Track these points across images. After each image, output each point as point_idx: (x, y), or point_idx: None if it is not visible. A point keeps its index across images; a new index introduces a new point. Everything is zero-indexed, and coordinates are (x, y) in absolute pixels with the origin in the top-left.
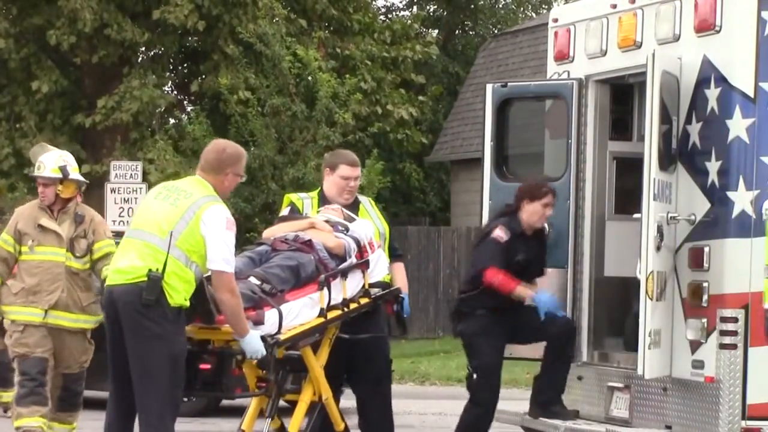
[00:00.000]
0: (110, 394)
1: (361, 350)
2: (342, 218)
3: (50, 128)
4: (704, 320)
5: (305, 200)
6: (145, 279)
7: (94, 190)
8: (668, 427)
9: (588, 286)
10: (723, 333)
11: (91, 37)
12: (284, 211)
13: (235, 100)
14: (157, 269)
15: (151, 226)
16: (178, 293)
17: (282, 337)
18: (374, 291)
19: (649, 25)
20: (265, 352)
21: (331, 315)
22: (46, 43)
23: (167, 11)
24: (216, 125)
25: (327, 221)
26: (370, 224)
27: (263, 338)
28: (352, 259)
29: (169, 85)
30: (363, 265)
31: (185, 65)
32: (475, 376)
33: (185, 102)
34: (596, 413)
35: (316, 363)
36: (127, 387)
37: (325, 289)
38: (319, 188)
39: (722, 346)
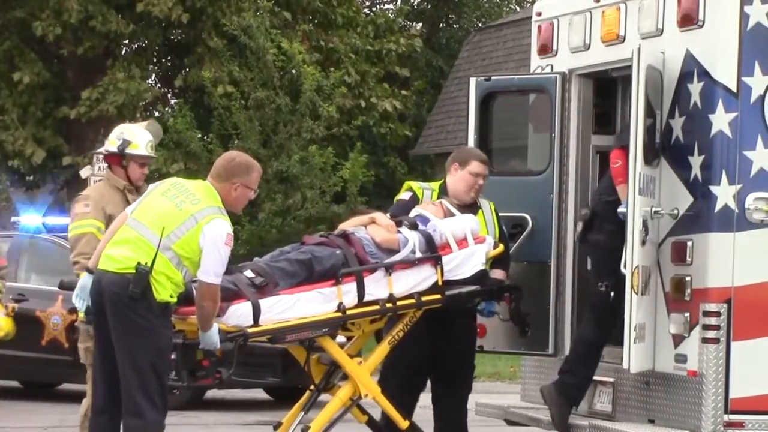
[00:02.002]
0: (97, 382)
1: (445, 351)
2: (442, 215)
3: (33, 121)
4: (687, 314)
5: (426, 191)
6: (133, 271)
7: (77, 182)
8: (651, 421)
9: (571, 280)
10: (706, 327)
11: (76, 29)
12: (403, 194)
13: (219, 94)
14: (146, 263)
15: (152, 222)
16: (165, 290)
17: (251, 330)
18: (455, 290)
19: (632, 20)
20: (218, 345)
21: (360, 310)
22: (29, 35)
23: (151, 3)
24: (199, 118)
25: (392, 216)
26: (468, 221)
27: (227, 331)
28: (408, 255)
29: (153, 78)
30: (430, 261)
31: (169, 58)
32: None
33: (169, 95)
34: (579, 407)
35: (347, 359)
36: (113, 376)
37: (348, 284)
38: (442, 181)
39: (705, 340)
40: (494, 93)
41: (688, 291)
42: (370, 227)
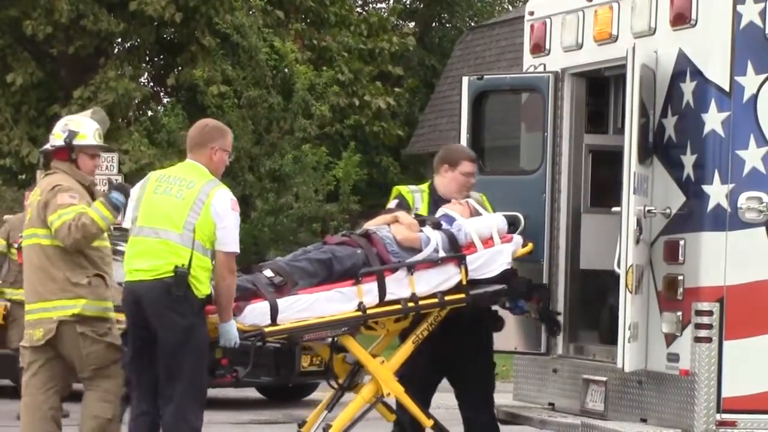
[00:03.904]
0: (139, 386)
1: (463, 361)
2: (468, 215)
3: (26, 120)
4: (679, 313)
5: (416, 194)
6: (172, 274)
7: None
8: (644, 420)
9: (564, 279)
10: (698, 326)
11: (67, 28)
12: (391, 203)
13: (212, 92)
14: (183, 264)
15: (163, 221)
16: (203, 284)
17: (268, 329)
18: (480, 290)
19: (625, 19)
20: (238, 342)
21: (381, 309)
22: (21, 35)
23: (144, 2)
24: (192, 117)
25: (417, 215)
26: (494, 220)
27: (244, 331)
28: (431, 254)
29: (145, 77)
30: (454, 260)
31: (161, 57)
32: None
33: (161, 94)
34: (571, 406)
35: (369, 358)
36: (154, 378)
37: (369, 284)
38: (429, 182)
39: (697, 339)
40: (487, 92)
41: (681, 290)
42: (393, 226)
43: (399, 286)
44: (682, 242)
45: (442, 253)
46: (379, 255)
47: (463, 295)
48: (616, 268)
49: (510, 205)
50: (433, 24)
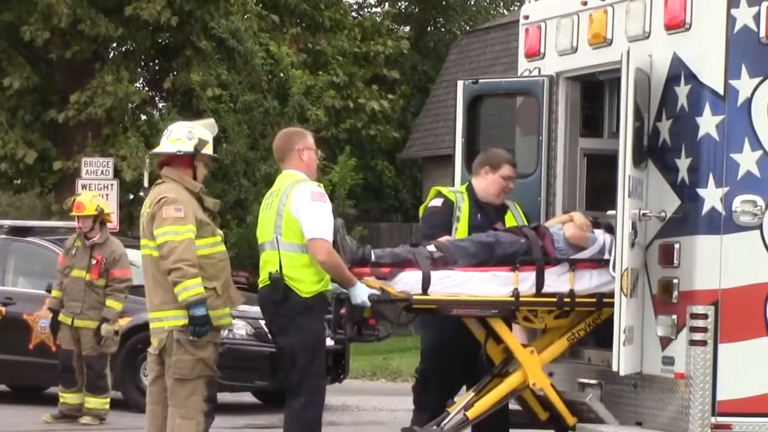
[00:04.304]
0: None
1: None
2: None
3: (21, 124)
4: (674, 317)
5: (457, 194)
6: (269, 282)
7: (65, 186)
8: (639, 424)
9: None
10: (693, 329)
11: (64, 33)
12: (434, 201)
13: (208, 97)
14: (276, 270)
15: (264, 234)
16: (304, 283)
17: (417, 297)
18: None
19: (619, 22)
20: (369, 303)
21: (534, 299)
22: (17, 39)
23: (140, 7)
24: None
25: (432, 227)
26: None
27: (393, 295)
28: (595, 255)
29: (141, 81)
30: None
31: (157, 61)
32: None
33: (157, 98)
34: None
35: (519, 346)
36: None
37: (527, 272)
38: (467, 184)
39: (692, 343)
40: (482, 96)
41: (676, 293)
42: (566, 225)
43: (558, 281)
44: (677, 245)
45: (607, 255)
46: (544, 248)
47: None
48: (611, 272)
49: None
50: (428, 28)
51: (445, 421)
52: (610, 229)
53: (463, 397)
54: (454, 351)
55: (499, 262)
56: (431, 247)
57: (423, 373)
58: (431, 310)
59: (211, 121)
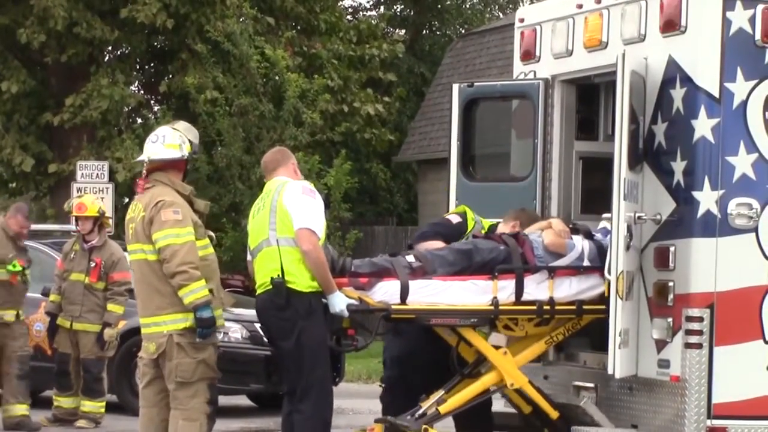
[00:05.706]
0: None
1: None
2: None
3: (17, 128)
4: (670, 320)
5: (477, 224)
6: (270, 287)
7: (60, 190)
8: (634, 426)
9: None
10: (688, 332)
11: (60, 36)
12: (454, 216)
13: (203, 100)
14: (278, 275)
15: (258, 235)
16: (303, 277)
17: (396, 307)
18: None
19: (614, 25)
20: (347, 313)
21: (514, 308)
22: (12, 43)
23: (135, 9)
24: None
25: (437, 232)
26: None
27: (372, 305)
28: (574, 262)
29: (136, 84)
30: (598, 271)
31: (152, 64)
32: None
33: (152, 102)
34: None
35: (491, 349)
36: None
37: (506, 281)
38: (495, 224)
39: (688, 346)
40: (477, 99)
41: (671, 296)
42: (544, 231)
43: (537, 288)
44: (672, 248)
45: (586, 262)
46: (524, 255)
47: (603, 307)
48: (607, 275)
49: (501, 212)
50: (424, 31)
51: (418, 414)
52: (589, 236)
53: (435, 393)
54: (421, 357)
55: (478, 269)
56: (410, 257)
57: (389, 380)
58: (410, 319)
59: (187, 124)
